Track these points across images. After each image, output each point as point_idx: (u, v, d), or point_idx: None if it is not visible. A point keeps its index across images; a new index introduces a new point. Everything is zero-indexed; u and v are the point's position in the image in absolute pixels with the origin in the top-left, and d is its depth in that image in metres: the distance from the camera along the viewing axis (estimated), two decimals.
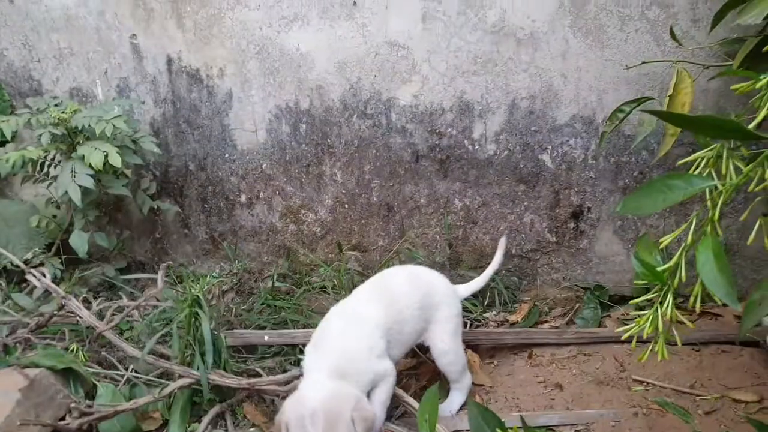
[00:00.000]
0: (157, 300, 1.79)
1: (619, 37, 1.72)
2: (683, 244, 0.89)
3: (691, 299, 0.88)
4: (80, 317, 1.70)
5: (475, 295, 1.98)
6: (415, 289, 1.50)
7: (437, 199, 2.01)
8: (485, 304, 1.94)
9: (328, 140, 2.02)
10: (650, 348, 0.91)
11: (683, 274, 0.88)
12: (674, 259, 0.88)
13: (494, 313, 1.89)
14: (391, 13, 1.84)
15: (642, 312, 0.92)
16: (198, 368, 1.50)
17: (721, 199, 0.87)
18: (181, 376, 1.52)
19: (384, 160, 2.00)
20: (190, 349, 1.52)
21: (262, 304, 1.99)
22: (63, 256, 2.14)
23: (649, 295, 0.90)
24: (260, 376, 1.59)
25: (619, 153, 1.83)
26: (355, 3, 1.85)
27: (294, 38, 1.93)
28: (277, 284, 2.11)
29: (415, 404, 1.40)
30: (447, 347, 1.49)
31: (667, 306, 0.89)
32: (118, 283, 2.19)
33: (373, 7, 1.84)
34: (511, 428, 0.90)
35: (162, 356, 1.62)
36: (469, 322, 1.88)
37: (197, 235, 2.30)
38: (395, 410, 1.52)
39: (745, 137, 0.84)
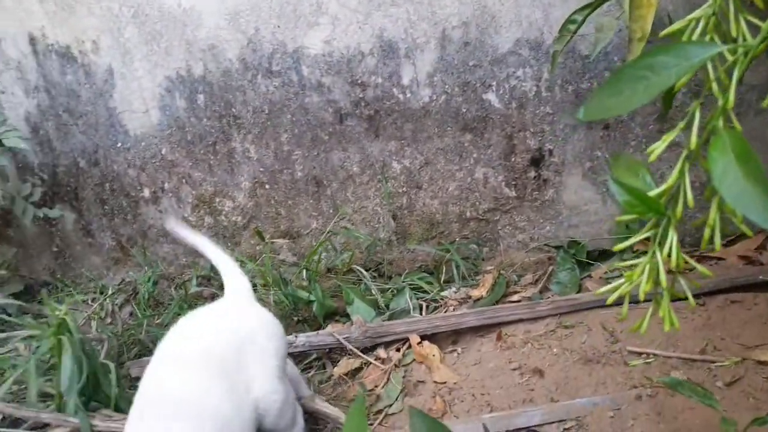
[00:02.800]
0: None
1: None
2: (683, 152, 0.58)
3: (706, 233, 0.57)
4: None
5: (429, 272, 1.68)
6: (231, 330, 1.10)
7: (372, 164, 1.68)
8: (442, 281, 1.62)
9: (233, 110, 1.67)
10: (649, 313, 0.61)
11: (689, 196, 0.57)
12: (674, 175, 0.57)
13: (453, 290, 1.57)
14: None
15: (633, 262, 0.61)
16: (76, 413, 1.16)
17: (736, 73, 0.56)
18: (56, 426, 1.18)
19: (302, 125, 1.66)
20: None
21: (177, 314, 1.65)
22: None
23: (640, 236, 0.59)
24: None
25: (578, 79, 1.52)
26: None
27: None
28: (198, 289, 1.77)
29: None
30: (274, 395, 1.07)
31: (670, 247, 0.58)
32: (13, 311, 1.81)
33: None
34: None
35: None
36: (425, 304, 1.57)
37: (103, 243, 1.94)
38: None
39: None
